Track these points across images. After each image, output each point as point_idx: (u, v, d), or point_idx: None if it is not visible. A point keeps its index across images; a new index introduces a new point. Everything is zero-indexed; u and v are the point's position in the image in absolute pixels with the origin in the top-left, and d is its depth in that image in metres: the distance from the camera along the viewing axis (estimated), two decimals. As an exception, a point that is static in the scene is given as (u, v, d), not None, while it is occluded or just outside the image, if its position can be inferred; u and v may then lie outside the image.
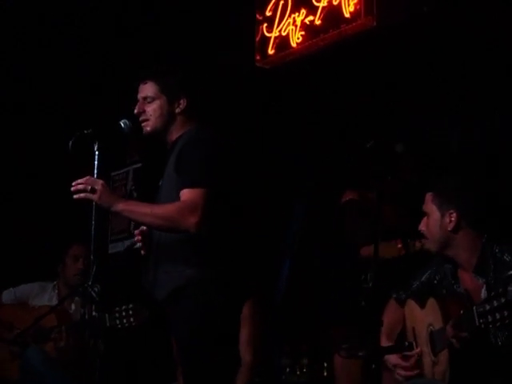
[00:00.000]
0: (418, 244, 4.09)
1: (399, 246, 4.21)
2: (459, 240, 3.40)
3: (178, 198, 3.27)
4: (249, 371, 4.49)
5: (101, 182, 3.24)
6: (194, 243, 3.29)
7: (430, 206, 3.49)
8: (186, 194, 3.22)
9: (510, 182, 4.30)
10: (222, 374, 3.36)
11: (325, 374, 4.97)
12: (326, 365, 4.94)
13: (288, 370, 5.09)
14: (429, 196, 3.52)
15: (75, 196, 3.23)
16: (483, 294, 3.31)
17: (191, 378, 3.37)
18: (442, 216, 3.43)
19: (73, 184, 3.24)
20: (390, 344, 3.55)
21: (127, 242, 5.87)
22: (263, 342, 4.62)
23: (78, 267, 5.08)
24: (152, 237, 3.45)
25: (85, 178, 3.24)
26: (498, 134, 4.43)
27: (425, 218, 3.52)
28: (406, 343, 3.49)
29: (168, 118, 3.47)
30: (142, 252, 3.49)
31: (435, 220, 3.45)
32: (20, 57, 5.89)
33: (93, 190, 3.20)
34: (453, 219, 3.40)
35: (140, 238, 3.47)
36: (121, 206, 3.25)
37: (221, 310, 3.33)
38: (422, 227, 3.53)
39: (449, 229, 3.41)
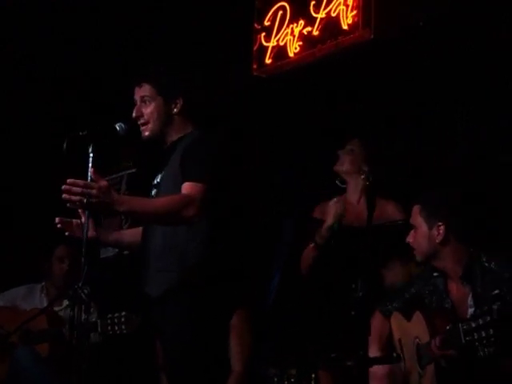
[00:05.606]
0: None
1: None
2: (447, 252, 3.45)
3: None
4: (238, 381, 4.48)
5: (96, 186, 3.03)
6: (188, 246, 3.30)
7: (418, 219, 3.53)
8: (187, 186, 3.24)
9: (498, 196, 4.31)
10: (208, 381, 3.36)
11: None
12: (313, 376, 4.93)
13: (276, 379, 5.07)
14: (416, 209, 3.56)
15: (68, 205, 3.07)
16: (469, 301, 3.35)
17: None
18: (430, 229, 3.47)
19: (64, 189, 3.03)
20: (379, 352, 3.57)
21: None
22: (252, 351, 4.61)
23: (64, 268, 5.12)
24: (146, 234, 3.47)
25: (78, 186, 3.02)
26: (485, 146, 4.45)
27: (412, 231, 3.56)
28: (395, 354, 3.51)
29: (166, 119, 3.50)
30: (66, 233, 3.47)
31: (423, 233, 3.49)
32: (13, 56, 5.91)
33: (90, 198, 3.01)
34: (441, 232, 3.44)
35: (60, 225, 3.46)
36: (122, 209, 3.11)
37: (210, 318, 3.33)
38: (410, 239, 3.57)
39: (437, 241, 3.45)
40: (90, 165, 3.23)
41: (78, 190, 3.03)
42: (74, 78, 6.04)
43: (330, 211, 4.20)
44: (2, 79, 5.84)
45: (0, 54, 5.78)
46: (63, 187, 3.05)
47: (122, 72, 3.65)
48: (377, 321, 3.69)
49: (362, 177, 4.29)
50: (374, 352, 3.57)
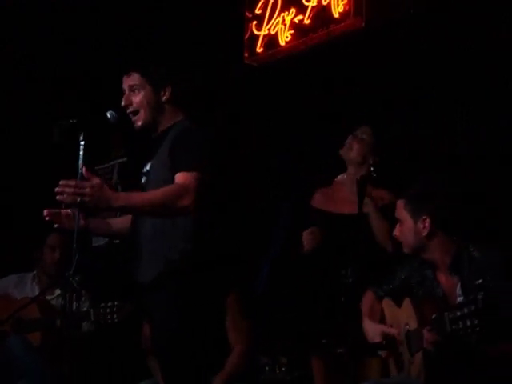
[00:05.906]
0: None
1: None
2: (434, 244, 3.44)
3: (171, 183, 3.27)
4: (239, 358, 4.43)
5: (89, 184, 3.05)
6: (180, 231, 3.31)
7: (403, 213, 3.51)
8: (180, 176, 3.23)
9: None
10: (197, 369, 3.37)
11: (304, 372, 4.98)
12: (305, 363, 4.95)
13: (267, 368, 5.09)
14: (400, 203, 3.54)
15: (63, 206, 3.13)
16: (458, 291, 3.36)
17: (169, 370, 3.38)
18: (415, 222, 3.46)
19: (57, 191, 3.04)
20: (372, 323, 3.60)
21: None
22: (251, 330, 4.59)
23: (56, 257, 5.13)
24: (135, 222, 3.47)
25: (71, 187, 3.03)
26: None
27: (398, 225, 3.55)
28: (384, 342, 3.52)
29: (156, 107, 3.49)
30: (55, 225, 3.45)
31: (409, 227, 3.48)
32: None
33: (83, 197, 3.03)
34: (426, 225, 3.43)
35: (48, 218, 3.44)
36: (117, 205, 3.12)
37: (199, 305, 3.34)
38: (396, 233, 3.57)
39: (423, 234, 3.44)
40: (81, 153, 3.23)
41: (71, 190, 3.04)
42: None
43: (304, 240, 4.25)
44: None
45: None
46: (56, 189, 3.06)
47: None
48: (368, 298, 3.71)
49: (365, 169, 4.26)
50: (367, 324, 3.60)
